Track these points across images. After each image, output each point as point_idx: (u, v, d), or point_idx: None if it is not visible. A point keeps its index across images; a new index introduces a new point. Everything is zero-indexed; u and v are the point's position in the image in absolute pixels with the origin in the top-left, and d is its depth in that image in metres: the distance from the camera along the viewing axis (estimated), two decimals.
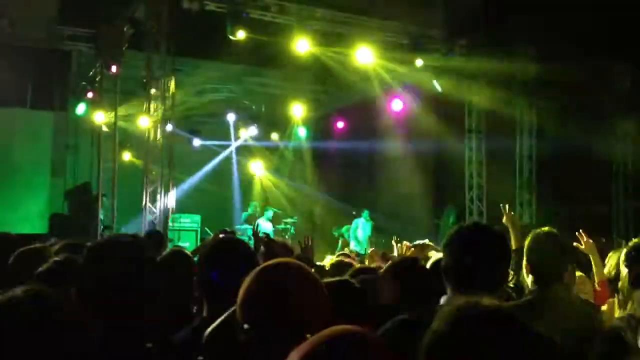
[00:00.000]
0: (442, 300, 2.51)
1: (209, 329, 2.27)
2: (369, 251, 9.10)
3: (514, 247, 3.70)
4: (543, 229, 3.41)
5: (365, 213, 15.65)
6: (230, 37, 12.31)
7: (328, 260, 5.39)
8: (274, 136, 19.86)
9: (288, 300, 1.81)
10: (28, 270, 2.77)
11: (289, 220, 16.67)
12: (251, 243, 4.13)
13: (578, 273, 4.68)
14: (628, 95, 16.54)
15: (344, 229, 16.39)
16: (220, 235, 2.92)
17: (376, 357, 1.28)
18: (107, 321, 1.89)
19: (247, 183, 19.10)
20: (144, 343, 2.01)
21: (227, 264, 2.51)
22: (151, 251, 2.18)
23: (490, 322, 1.21)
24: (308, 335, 1.38)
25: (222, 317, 2.19)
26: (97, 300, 1.96)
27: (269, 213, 15.61)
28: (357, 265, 5.32)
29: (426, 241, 5.90)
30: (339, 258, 5.52)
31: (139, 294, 1.99)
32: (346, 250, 12.99)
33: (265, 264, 1.98)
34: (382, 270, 3.54)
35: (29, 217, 15.21)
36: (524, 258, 3.28)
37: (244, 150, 19.72)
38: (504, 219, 4.47)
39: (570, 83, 15.29)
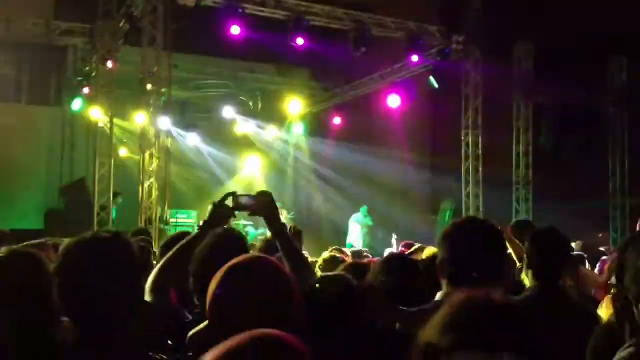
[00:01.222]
0: (438, 295, 2.50)
1: (193, 331, 2.25)
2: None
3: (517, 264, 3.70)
4: (543, 225, 3.41)
5: (363, 209, 15.64)
6: (227, 32, 12.28)
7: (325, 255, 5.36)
8: (271, 131, 19.85)
9: (255, 303, 1.75)
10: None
11: (284, 214, 16.63)
12: (250, 237, 4.04)
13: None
14: (624, 90, 16.58)
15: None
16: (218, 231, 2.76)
17: None
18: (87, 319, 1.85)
19: (245, 177, 19.07)
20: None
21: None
22: (133, 250, 2.09)
23: (501, 315, 1.21)
24: None
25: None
26: (76, 304, 1.90)
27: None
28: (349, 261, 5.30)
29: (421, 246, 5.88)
30: (332, 253, 5.49)
31: (121, 290, 1.93)
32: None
33: (234, 261, 1.89)
34: (374, 266, 3.52)
35: (26, 213, 15.18)
36: (524, 254, 3.28)
37: (242, 145, 19.69)
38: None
39: (567, 78, 15.32)
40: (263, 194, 2.93)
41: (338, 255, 5.13)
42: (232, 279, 1.81)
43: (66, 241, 2.06)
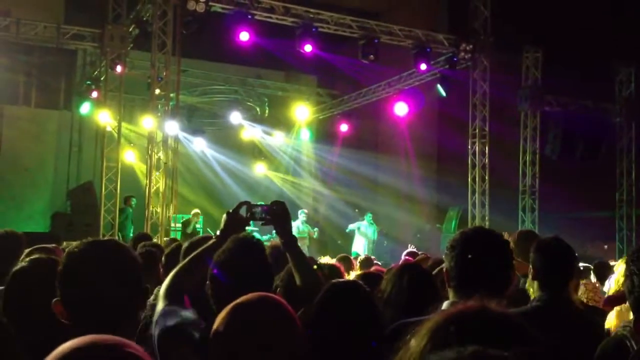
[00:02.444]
0: (445, 305, 2.51)
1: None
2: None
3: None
4: (549, 235, 3.41)
5: (368, 216, 15.62)
6: (235, 38, 12.34)
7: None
8: (278, 137, 19.89)
9: (258, 347, 1.75)
10: None
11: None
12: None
13: (583, 281, 4.67)
14: (632, 100, 16.54)
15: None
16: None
17: None
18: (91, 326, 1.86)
19: (252, 183, 19.09)
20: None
21: (243, 280, 2.40)
22: (134, 255, 2.10)
23: (497, 327, 1.20)
24: None
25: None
26: (80, 306, 1.91)
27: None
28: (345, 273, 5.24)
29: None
30: (333, 263, 5.40)
31: (125, 296, 1.94)
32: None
33: (240, 301, 1.88)
34: (385, 275, 3.52)
35: (33, 215, 15.24)
36: (530, 263, 3.28)
37: (248, 150, 19.74)
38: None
39: (575, 88, 15.31)
40: (276, 204, 2.94)
41: (338, 265, 5.05)
42: (237, 318, 1.82)
43: (68, 246, 2.08)
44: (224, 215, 2.85)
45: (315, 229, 15.86)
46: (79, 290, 1.92)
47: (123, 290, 1.93)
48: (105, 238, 2.07)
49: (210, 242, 2.72)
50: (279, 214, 2.90)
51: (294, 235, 2.96)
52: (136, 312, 2.02)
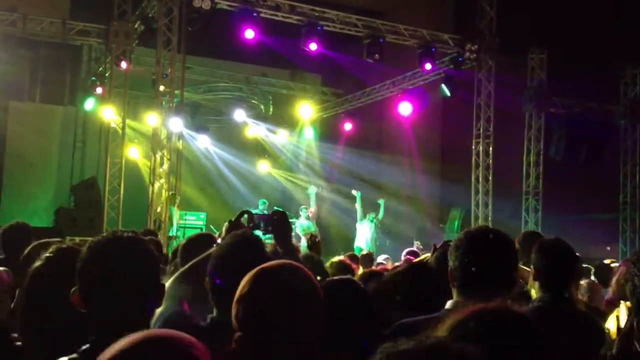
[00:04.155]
0: (448, 304, 2.50)
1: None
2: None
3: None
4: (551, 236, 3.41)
5: (371, 215, 15.59)
6: (240, 36, 12.35)
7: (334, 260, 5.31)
8: (282, 135, 19.89)
9: (291, 307, 1.80)
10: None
11: (293, 219, 16.62)
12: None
13: (583, 281, 4.67)
14: (637, 102, 16.51)
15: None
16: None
17: None
18: (108, 319, 1.88)
19: (255, 181, 19.10)
20: None
21: (242, 275, 2.46)
22: (153, 250, 2.15)
23: (515, 327, 1.22)
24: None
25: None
26: (99, 299, 1.94)
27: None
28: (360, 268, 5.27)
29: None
30: (342, 259, 5.45)
31: (143, 291, 1.97)
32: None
33: (266, 265, 1.94)
34: (387, 274, 3.53)
35: (36, 210, 15.27)
36: (532, 264, 3.28)
37: (252, 148, 19.75)
38: None
39: (580, 89, 15.28)
40: (276, 213, 3.09)
41: (348, 262, 5.08)
42: (264, 279, 1.87)
43: (89, 239, 2.12)
44: (225, 224, 2.93)
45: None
46: (96, 283, 1.96)
47: (138, 285, 1.97)
48: (126, 233, 2.08)
49: (211, 250, 2.75)
50: (278, 223, 3.02)
51: (293, 245, 3.11)
52: (150, 307, 2.05)
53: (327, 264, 5.03)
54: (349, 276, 3.70)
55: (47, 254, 2.47)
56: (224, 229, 2.93)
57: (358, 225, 15.52)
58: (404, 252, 7.57)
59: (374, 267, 6.57)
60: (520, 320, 1.23)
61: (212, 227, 14.30)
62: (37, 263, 2.44)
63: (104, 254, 1.99)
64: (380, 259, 8.45)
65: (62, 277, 2.12)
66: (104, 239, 2.04)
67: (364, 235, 15.26)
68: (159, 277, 2.09)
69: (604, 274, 6.17)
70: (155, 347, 1.23)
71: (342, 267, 4.75)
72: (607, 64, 15.39)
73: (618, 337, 2.33)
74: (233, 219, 2.99)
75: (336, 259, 5.24)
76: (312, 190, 15.87)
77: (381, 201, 15.44)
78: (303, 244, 14.19)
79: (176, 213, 13.93)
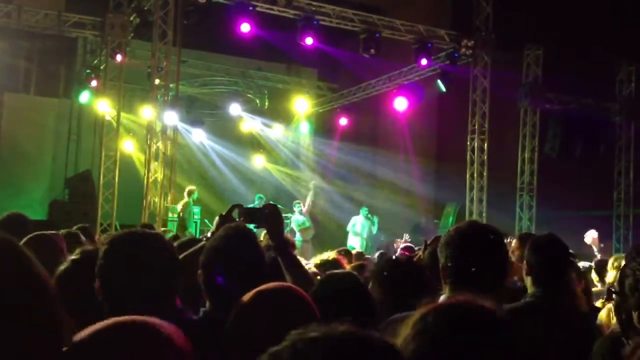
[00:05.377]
0: (441, 299, 2.51)
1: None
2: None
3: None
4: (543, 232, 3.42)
5: (364, 210, 15.58)
6: (236, 30, 12.32)
7: (325, 257, 5.26)
8: (277, 129, 19.88)
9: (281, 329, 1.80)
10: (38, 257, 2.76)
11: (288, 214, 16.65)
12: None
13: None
14: (632, 99, 16.54)
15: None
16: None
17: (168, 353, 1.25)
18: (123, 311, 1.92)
19: (250, 175, 19.09)
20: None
21: (235, 268, 2.45)
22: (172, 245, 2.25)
23: (478, 321, 1.19)
24: None
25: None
26: (120, 292, 2.00)
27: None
28: (347, 265, 5.23)
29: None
30: (336, 256, 5.40)
31: (162, 284, 2.04)
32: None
33: (261, 289, 1.92)
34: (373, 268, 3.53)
35: (30, 203, 15.23)
36: (525, 258, 3.28)
37: (247, 142, 19.73)
38: None
39: (575, 86, 15.30)
40: (268, 207, 3.06)
41: (339, 258, 5.05)
42: (260, 303, 1.86)
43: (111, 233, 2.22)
44: (216, 218, 2.94)
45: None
46: (115, 276, 2.06)
47: (154, 280, 2.06)
48: (148, 230, 2.19)
49: (201, 244, 2.76)
50: (271, 217, 2.98)
51: (285, 239, 3.07)
52: (167, 302, 2.11)
53: (317, 262, 5.00)
54: (349, 270, 3.71)
55: (73, 257, 2.54)
56: (215, 223, 2.94)
57: (350, 231, 15.32)
58: (399, 247, 7.59)
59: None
60: (486, 317, 1.20)
61: (207, 221, 14.31)
62: (63, 266, 2.52)
63: (123, 247, 2.06)
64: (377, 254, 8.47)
65: (88, 279, 2.17)
66: (124, 233, 2.12)
67: (356, 230, 15.20)
68: (173, 273, 2.14)
69: (604, 272, 6.17)
70: (133, 331, 1.24)
71: (333, 264, 4.73)
72: (603, 60, 15.41)
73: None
74: (224, 213, 2.99)
75: (325, 256, 5.19)
76: (312, 185, 15.92)
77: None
78: (298, 237, 14.30)
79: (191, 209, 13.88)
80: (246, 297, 1.89)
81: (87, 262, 2.35)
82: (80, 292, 2.25)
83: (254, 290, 1.90)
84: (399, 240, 13.38)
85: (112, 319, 1.26)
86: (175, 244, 3.60)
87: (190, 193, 13.69)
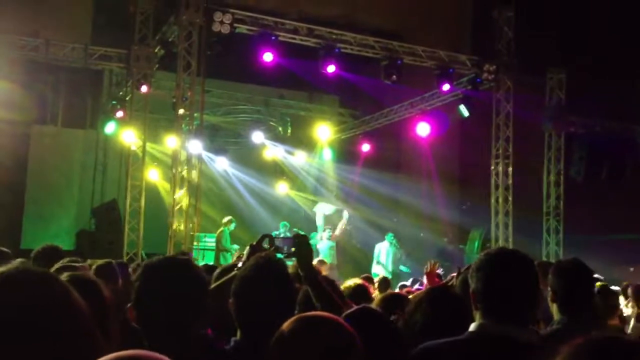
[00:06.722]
0: (472, 327, 2.48)
1: None
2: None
3: None
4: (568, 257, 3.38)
5: (389, 236, 15.51)
6: (259, 59, 12.46)
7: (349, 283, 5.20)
8: (300, 157, 19.95)
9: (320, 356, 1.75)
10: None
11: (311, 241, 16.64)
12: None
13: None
14: None
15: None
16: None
17: None
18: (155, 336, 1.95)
19: (274, 202, 19.12)
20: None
21: (266, 297, 2.46)
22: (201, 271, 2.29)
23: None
24: None
25: None
26: (154, 319, 2.04)
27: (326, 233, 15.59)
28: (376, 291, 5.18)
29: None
30: (359, 282, 5.33)
31: (193, 312, 2.07)
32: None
33: (302, 317, 1.92)
34: (411, 297, 3.50)
35: (58, 233, 15.41)
36: (549, 286, 3.23)
37: (271, 170, 19.82)
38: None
39: (600, 108, 15.18)
40: (298, 237, 3.10)
41: (366, 285, 5.00)
42: (300, 330, 1.84)
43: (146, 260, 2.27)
44: (247, 248, 2.96)
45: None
46: (149, 300, 2.13)
47: (185, 306, 2.13)
48: (180, 257, 2.28)
49: (233, 273, 2.78)
50: (301, 247, 3.01)
51: (314, 269, 3.08)
52: (195, 327, 2.15)
53: (342, 287, 4.95)
54: (365, 305, 3.67)
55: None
56: (245, 253, 2.96)
57: (376, 250, 15.31)
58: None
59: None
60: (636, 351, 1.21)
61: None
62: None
63: (154, 275, 2.11)
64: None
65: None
66: (158, 261, 2.18)
67: (384, 258, 15.15)
68: (202, 299, 2.18)
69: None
70: None
71: (358, 290, 4.67)
72: (628, 82, 15.29)
73: None
74: (254, 243, 3.02)
75: (352, 282, 5.15)
76: (345, 214, 15.97)
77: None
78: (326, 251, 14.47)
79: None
80: (287, 325, 1.88)
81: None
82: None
83: (295, 318, 1.89)
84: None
85: (114, 354, 1.26)
86: (218, 270, 3.63)
87: (227, 223, 13.92)
